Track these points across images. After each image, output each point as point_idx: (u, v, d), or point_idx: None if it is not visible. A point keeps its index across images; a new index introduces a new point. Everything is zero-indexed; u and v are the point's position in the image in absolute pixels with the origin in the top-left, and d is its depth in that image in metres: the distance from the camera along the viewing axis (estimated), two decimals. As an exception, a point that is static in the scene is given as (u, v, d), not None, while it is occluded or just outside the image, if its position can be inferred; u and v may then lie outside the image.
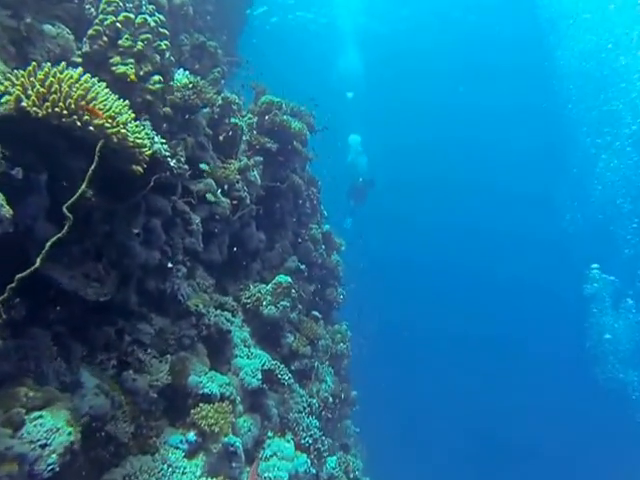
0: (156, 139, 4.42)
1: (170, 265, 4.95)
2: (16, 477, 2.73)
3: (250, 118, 7.79)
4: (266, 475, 5.51)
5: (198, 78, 5.86)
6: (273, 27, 22.20)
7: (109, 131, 3.02)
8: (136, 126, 3.54)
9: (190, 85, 5.57)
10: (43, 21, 3.88)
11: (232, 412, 5.07)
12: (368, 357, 15.02)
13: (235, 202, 6.45)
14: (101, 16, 4.42)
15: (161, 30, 4.82)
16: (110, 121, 3.02)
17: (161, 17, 4.84)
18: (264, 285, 7.11)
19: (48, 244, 2.49)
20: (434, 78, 29.71)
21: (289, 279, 7.06)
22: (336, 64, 26.06)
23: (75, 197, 2.61)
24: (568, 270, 20.92)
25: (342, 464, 7.45)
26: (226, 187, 6.31)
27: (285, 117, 7.77)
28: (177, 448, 4.49)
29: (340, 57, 25.88)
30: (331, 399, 7.94)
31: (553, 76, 18.87)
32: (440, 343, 28.55)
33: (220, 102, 6.66)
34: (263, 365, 6.14)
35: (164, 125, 5.06)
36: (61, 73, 2.91)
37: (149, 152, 3.73)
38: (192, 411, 4.78)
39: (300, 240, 8.37)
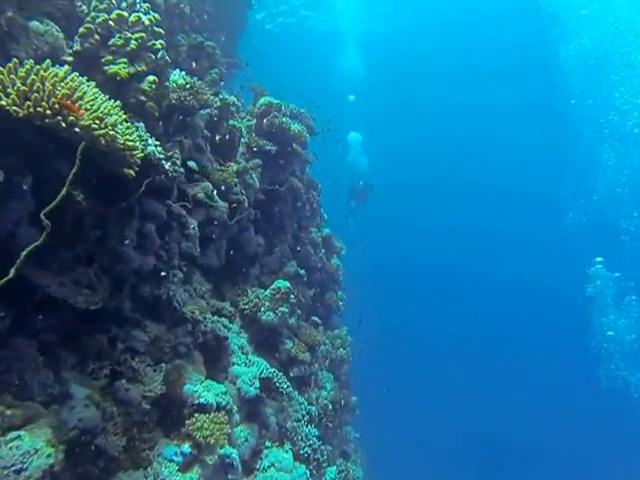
0: (150, 141, 4.28)
1: (163, 274, 4.80)
2: None
3: (249, 120, 7.66)
4: (264, 486, 5.37)
5: (195, 79, 5.70)
6: (273, 28, 22.06)
7: (96, 133, 2.87)
8: (127, 128, 3.40)
9: (187, 86, 5.42)
10: (32, 17, 3.73)
11: (228, 422, 4.92)
12: (368, 361, 14.84)
13: (233, 205, 6.31)
14: (93, 13, 4.27)
15: (156, 29, 4.67)
16: (98, 122, 2.86)
17: (156, 15, 4.68)
18: (262, 290, 6.97)
19: (24, 253, 2.34)
20: (435, 78, 29.52)
21: (288, 284, 6.94)
22: (337, 65, 25.89)
23: (54, 203, 2.46)
24: (571, 269, 20.67)
25: (342, 473, 7.29)
26: (224, 189, 6.17)
27: (284, 119, 7.62)
28: (171, 461, 4.35)
29: (341, 58, 25.71)
30: (331, 406, 7.79)
31: (556, 72, 18.65)
32: (442, 344, 28.35)
33: (218, 104, 6.51)
34: (261, 373, 5.99)
35: (159, 127, 4.92)
36: (45, 71, 2.75)
37: (141, 155, 3.59)
38: (187, 422, 4.63)
39: (299, 247, 8.22)
